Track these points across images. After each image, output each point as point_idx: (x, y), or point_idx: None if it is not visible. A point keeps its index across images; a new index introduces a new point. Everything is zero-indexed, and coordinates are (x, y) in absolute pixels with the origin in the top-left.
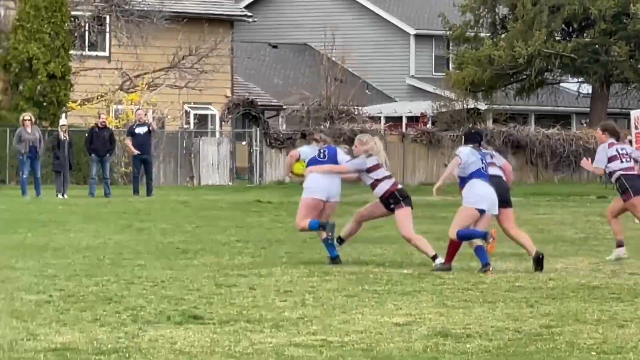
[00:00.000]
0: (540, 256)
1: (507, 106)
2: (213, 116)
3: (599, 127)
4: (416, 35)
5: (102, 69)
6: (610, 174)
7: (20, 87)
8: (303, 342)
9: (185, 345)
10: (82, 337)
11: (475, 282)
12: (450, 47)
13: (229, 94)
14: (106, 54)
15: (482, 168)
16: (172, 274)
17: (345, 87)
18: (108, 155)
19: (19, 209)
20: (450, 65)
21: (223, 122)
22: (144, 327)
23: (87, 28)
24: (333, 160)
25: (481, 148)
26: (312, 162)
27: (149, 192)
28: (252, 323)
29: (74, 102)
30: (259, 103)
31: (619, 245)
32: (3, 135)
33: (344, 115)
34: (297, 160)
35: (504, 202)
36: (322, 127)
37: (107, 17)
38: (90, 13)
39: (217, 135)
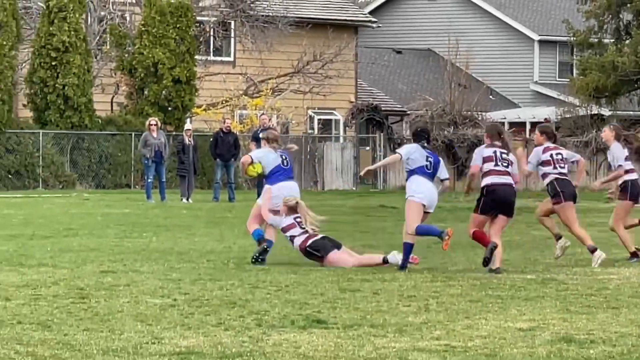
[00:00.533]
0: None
1: (631, 112)
2: (337, 121)
3: (537, 129)
4: (540, 41)
5: (226, 74)
6: (543, 176)
7: (146, 92)
8: (426, 347)
9: (309, 349)
10: (207, 341)
11: (598, 288)
12: (574, 53)
13: (353, 99)
14: (231, 59)
15: (426, 166)
16: (296, 279)
17: (469, 92)
18: (233, 159)
19: (144, 213)
20: (574, 71)
21: (347, 127)
22: (268, 331)
23: (212, 33)
24: (292, 166)
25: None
26: (278, 170)
27: None
28: (375, 328)
29: (199, 106)
30: (383, 108)
31: (558, 237)
32: (128, 140)
33: (467, 120)
34: (250, 164)
35: (509, 211)
36: (445, 132)
37: (232, 23)
38: (215, 18)
39: (341, 140)
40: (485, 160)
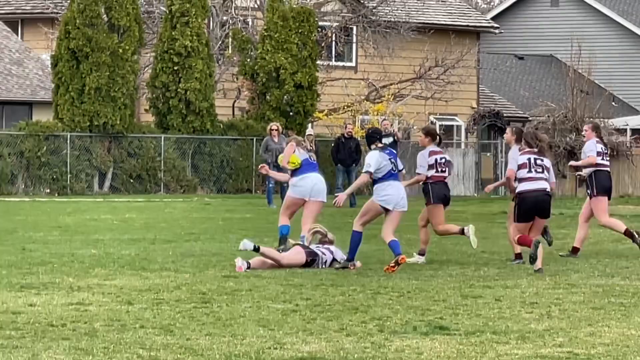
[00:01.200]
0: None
1: None
2: (459, 127)
3: (421, 130)
4: None
5: (348, 79)
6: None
7: (267, 97)
8: (549, 354)
9: (431, 355)
10: (329, 347)
11: None
12: None
13: (474, 105)
14: (353, 64)
15: (392, 169)
16: (417, 285)
17: (591, 99)
18: (354, 165)
19: (265, 218)
20: None
21: (469, 133)
22: (390, 337)
23: (334, 38)
24: (317, 163)
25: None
26: (306, 163)
27: None
28: (498, 334)
29: (321, 112)
30: (505, 114)
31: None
32: (250, 144)
33: None
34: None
35: (544, 214)
36: (567, 139)
37: (354, 28)
38: (338, 24)
39: (463, 146)
40: (520, 167)
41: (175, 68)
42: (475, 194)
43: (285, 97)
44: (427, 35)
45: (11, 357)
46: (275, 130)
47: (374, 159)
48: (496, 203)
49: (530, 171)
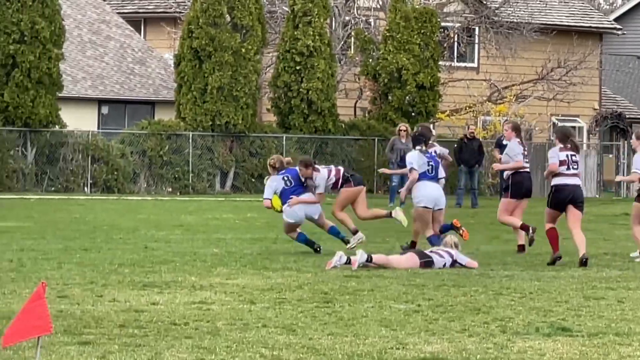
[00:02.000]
0: (584, 259)
1: None
2: (580, 128)
3: (300, 161)
4: None
5: (470, 80)
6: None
7: (389, 97)
8: None
9: (553, 357)
10: (451, 347)
11: None
12: None
13: (596, 107)
14: (475, 65)
15: (428, 170)
16: (539, 286)
17: None
18: (477, 166)
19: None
20: None
21: (590, 135)
22: (512, 338)
23: (456, 39)
24: (297, 182)
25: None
26: (284, 193)
27: None
28: (620, 336)
29: (442, 112)
30: (627, 116)
31: (354, 232)
32: (371, 145)
33: None
34: (272, 207)
35: (579, 205)
36: None
37: (477, 29)
38: (460, 24)
39: (584, 147)
40: (560, 163)
41: (298, 68)
42: (597, 195)
43: (407, 97)
44: (550, 36)
45: (134, 355)
46: (404, 130)
47: (415, 158)
48: (618, 205)
49: (568, 168)
